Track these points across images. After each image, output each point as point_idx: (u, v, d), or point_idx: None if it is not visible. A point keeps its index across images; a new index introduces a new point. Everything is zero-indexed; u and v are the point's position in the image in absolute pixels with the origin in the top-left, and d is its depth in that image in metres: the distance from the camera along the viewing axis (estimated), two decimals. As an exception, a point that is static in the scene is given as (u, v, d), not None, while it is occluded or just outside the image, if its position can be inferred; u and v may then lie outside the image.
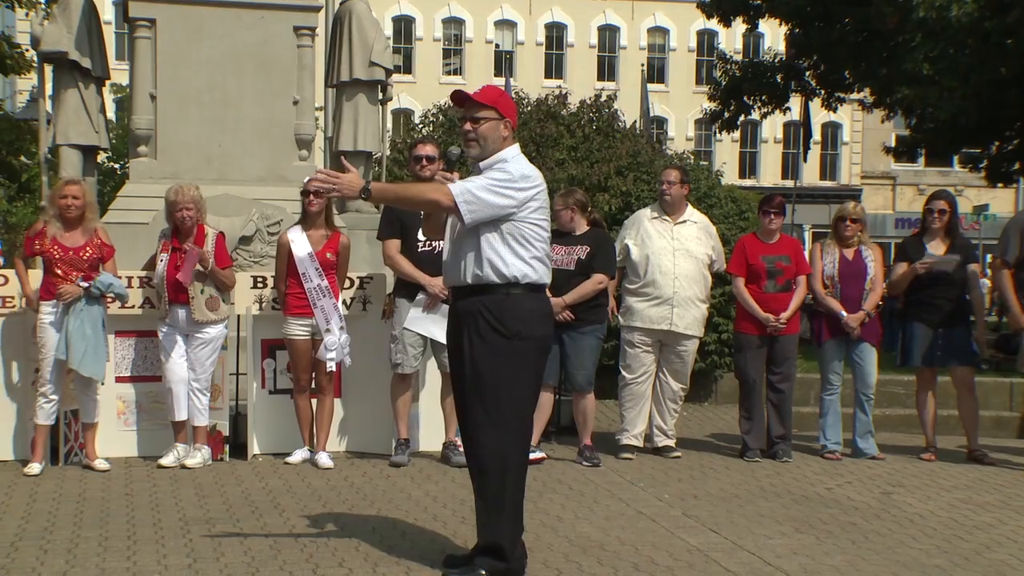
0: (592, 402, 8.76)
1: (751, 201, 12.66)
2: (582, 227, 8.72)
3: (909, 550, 6.28)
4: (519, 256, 5.44)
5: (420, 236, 7.94)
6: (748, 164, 47.40)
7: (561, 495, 7.46)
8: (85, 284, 7.75)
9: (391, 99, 12.21)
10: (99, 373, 7.90)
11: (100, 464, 7.98)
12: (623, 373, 8.98)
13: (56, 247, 7.84)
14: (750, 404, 9.08)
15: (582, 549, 6.10)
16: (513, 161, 5.52)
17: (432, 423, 8.67)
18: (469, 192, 5.36)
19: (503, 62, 42.75)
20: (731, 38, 38.39)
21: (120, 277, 8.06)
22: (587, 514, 6.95)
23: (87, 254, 7.88)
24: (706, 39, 45.13)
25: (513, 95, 13.93)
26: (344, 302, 8.52)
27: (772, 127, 43.73)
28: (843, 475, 8.48)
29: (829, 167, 48.15)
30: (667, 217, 8.94)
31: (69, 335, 7.71)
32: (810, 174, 44.91)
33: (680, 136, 44.62)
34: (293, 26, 10.86)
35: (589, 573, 5.66)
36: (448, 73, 45.12)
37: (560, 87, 16.22)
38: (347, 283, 8.62)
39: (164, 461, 8.08)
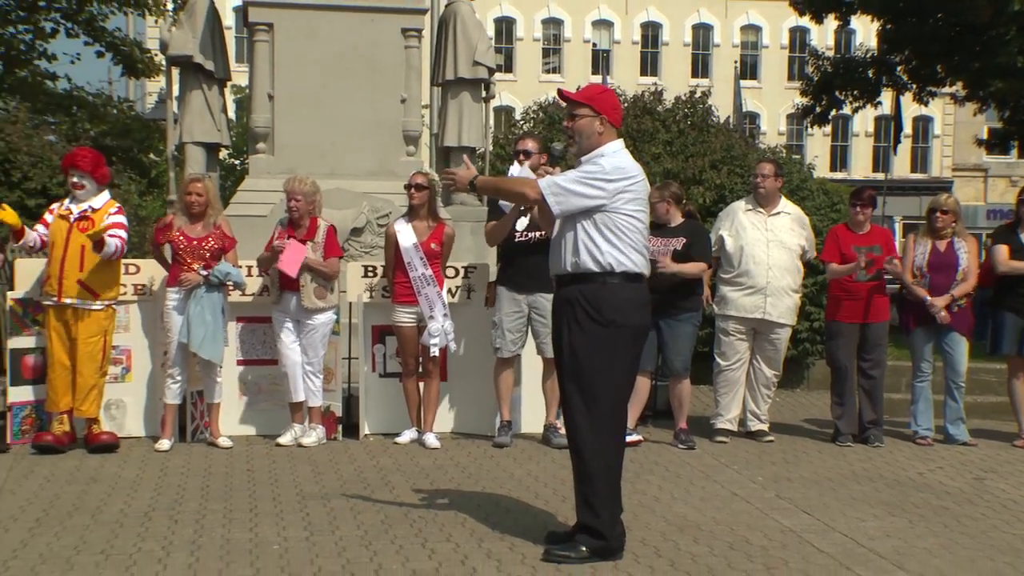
0: (688, 387, 8.70)
1: (842, 193, 12.46)
2: (677, 219, 8.66)
3: (1002, 535, 6.14)
4: (614, 246, 5.43)
5: (518, 227, 7.98)
6: (839, 157, 46.65)
7: (658, 476, 7.43)
8: (204, 272, 7.92)
9: (494, 97, 12.22)
10: (217, 356, 8.05)
11: (223, 442, 8.14)
12: (717, 360, 8.92)
13: (181, 238, 8.02)
14: (842, 390, 8.95)
15: (678, 528, 6.07)
16: (610, 155, 5.51)
17: (534, 406, 8.68)
18: (556, 185, 5.44)
19: (600, 60, 42.58)
20: (823, 35, 37.80)
21: (240, 267, 8.21)
22: (683, 495, 6.91)
23: (209, 244, 8.05)
24: (798, 36, 44.49)
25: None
26: (449, 290, 8.57)
27: (863, 121, 42.96)
28: (935, 460, 8.32)
29: (920, 159, 47.18)
30: (761, 209, 8.85)
31: (190, 320, 7.89)
32: (901, 167, 44.04)
33: (772, 131, 44.04)
34: (401, 28, 10.93)
35: (686, 551, 5.63)
36: (547, 72, 45.05)
37: (655, 84, 16.11)
38: (452, 272, 8.67)
39: (282, 440, 8.22)
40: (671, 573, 5.26)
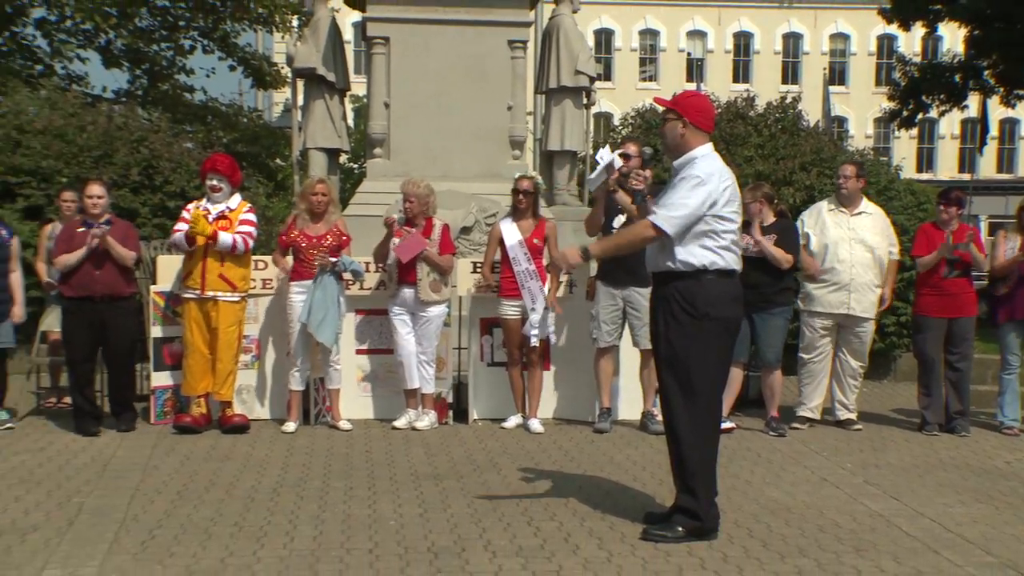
0: (779, 378, 8.58)
1: (929, 193, 12.18)
2: (769, 218, 8.55)
3: (1086, 522, 5.95)
4: (707, 247, 5.39)
5: (615, 224, 7.99)
6: (926, 159, 45.57)
7: (750, 462, 7.34)
8: (333, 259, 8.03)
9: (594, 103, 12.18)
10: (330, 340, 8.12)
11: (344, 425, 8.26)
12: (801, 354, 8.81)
13: (302, 237, 8.16)
14: (929, 381, 8.75)
15: (770, 511, 5.99)
16: (702, 159, 5.46)
17: (632, 394, 8.64)
18: (666, 216, 5.34)
19: (694, 69, 42.21)
20: (910, 41, 36.93)
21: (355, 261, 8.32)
22: (774, 479, 6.82)
23: (327, 242, 8.16)
24: (886, 43, 43.50)
25: (705, 98, 13.75)
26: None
27: (949, 124, 41.91)
28: (1021, 450, 8.07)
29: (1006, 160, 45.83)
30: (843, 209, 8.71)
31: (312, 303, 8.00)
32: (987, 167, 42.83)
33: (859, 134, 43.17)
34: (507, 40, 10.97)
35: (777, 533, 5.55)
36: (644, 80, 44.81)
37: (747, 91, 15.87)
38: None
39: (397, 423, 8.30)
40: (763, 553, 5.20)
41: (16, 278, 8.42)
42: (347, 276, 8.25)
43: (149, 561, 4.93)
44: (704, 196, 5.33)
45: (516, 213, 8.43)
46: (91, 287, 7.98)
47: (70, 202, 9.16)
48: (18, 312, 8.38)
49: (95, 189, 8.17)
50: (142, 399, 8.58)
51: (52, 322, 8.88)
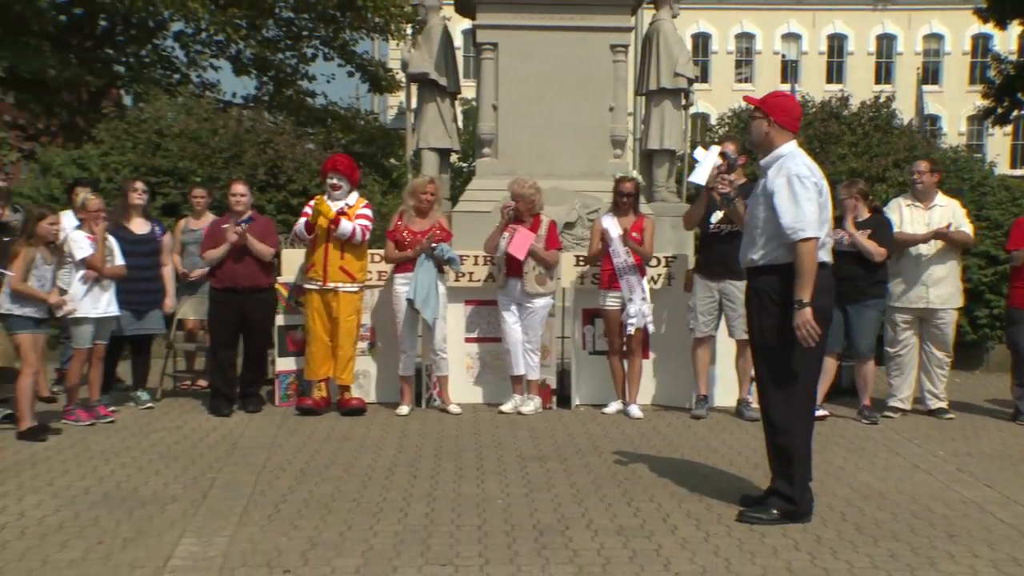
0: (872, 368, 8.39)
1: (1023, 189, 11.78)
2: (864, 213, 8.35)
3: None
4: None
5: (712, 220, 7.98)
6: (1020, 155, 44.11)
7: (843, 448, 7.19)
8: (434, 245, 8.08)
9: (692, 104, 12.06)
10: (430, 317, 8.10)
11: (453, 408, 8.32)
12: (887, 347, 8.63)
13: (406, 232, 8.23)
14: (1022, 372, 8.46)
15: (863, 496, 5.86)
16: (788, 156, 5.38)
17: (727, 382, 8.54)
18: (803, 224, 5.17)
19: (788, 70, 41.47)
20: (1006, 40, 35.68)
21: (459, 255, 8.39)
22: (867, 466, 6.66)
23: (430, 236, 8.21)
24: (980, 42, 42.18)
25: (799, 98, 13.49)
26: (651, 278, 8.52)
27: (1044, 120, 40.40)
28: (1114, 441, 7.77)
29: (1100, 155, 44.11)
30: (919, 203, 8.49)
31: (417, 281, 8.05)
32: (1082, 163, 41.26)
33: (952, 131, 41.94)
34: (610, 44, 10.91)
35: (870, 517, 5.43)
36: (739, 81, 44.23)
37: (841, 91, 15.51)
38: (655, 261, 8.61)
39: (504, 408, 8.33)
40: (857, 536, 5.09)
41: (168, 271, 8.72)
42: (445, 265, 8.27)
43: (275, 533, 5.04)
44: (810, 185, 5.24)
45: (617, 209, 8.40)
46: (234, 279, 8.19)
47: (200, 198, 9.40)
48: (169, 303, 8.68)
49: (239, 188, 8.39)
50: (267, 382, 8.77)
51: (187, 310, 9.13)
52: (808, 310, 5.17)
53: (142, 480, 6.05)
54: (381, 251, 8.60)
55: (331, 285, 8.10)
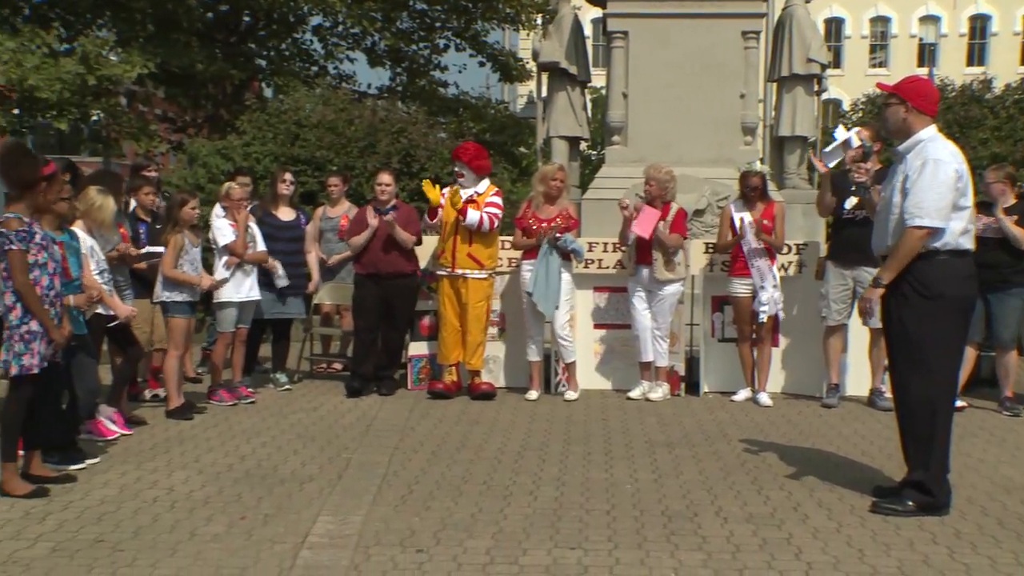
0: (1014, 358, 8.05)
1: None
2: (1010, 199, 7.99)
3: None
4: None
5: (846, 206, 7.80)
6: None
7: (983, 440, 6.92)
8: (558, 236, 8.06)
9: (825, 91, 11.77)
10: (549, 312, 8.09)
11: (569, 395, 8.25)
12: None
13: (532, 219, 8.23)
14: None
15: (1005, 490, 5.63)
16: (929, 141, 5.18)
17: (859, 371, 8.30)
18: (926, 212, 5.01)
19: (925, 54, 40.03)
20: None
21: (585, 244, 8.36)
22: (1009, 458, 6.40)
23: (556, 224, 8.18)
24: None
25: (937, 82, 13.03)
26: (782, 265, 8.35)
27: None
28: None
29: None
30: None
31: (536, 273, 8.05)
32: None
33: (1104, 113, 39.77)
34: (741, 31, 10.73)
35: (1013, 511, 5.21)
36: (873, 66, 42.90)
37: (984, 73, 14.92)
38: (785, 249, 8.43)
39: (632, 394, 8.29)
40: (998, 531, 4.89)
41: (313, 258, 8.98)
42: (571, 255, 8.24)
43: (408, 513, 5.12)
44: (950, 172, 5.05)
45: (746, 197, 8.26)
46: (378, 266, 8.34)
47: (336, 186, 9.59)
48: (313, 287, 8.94)
49: (384, 178, 8.54)
50: (400, 366, 8.91)
51: (324, 296, 9.34)
52: (881, 290, 5.14)
53: (281, 459, 6.22)
54: (511, 238, 8.64)
55: (460, 271, 8.18)
